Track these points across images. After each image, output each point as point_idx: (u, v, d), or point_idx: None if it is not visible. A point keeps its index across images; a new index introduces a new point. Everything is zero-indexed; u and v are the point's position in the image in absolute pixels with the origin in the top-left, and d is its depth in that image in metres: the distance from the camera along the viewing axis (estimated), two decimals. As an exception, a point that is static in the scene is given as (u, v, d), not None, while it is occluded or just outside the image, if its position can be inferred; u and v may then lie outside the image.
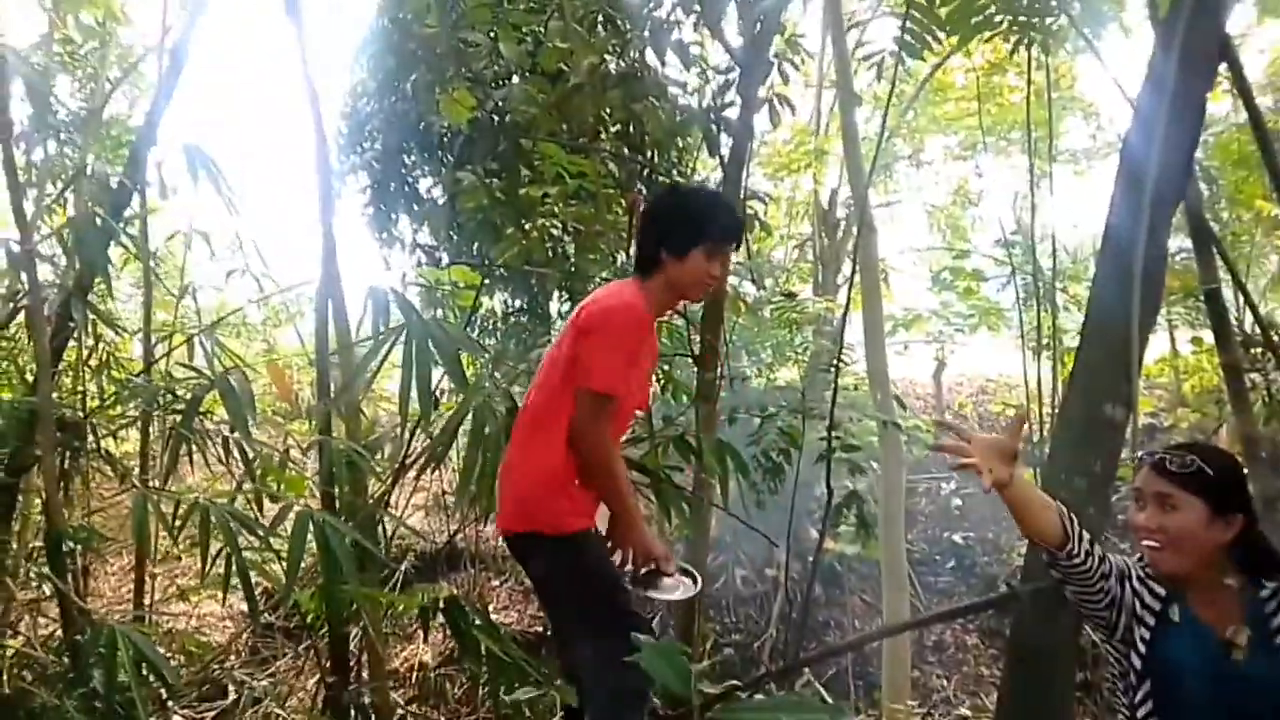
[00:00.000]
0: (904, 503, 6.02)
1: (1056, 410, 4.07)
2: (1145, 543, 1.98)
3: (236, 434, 2.74)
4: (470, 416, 2.61)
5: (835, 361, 3.45)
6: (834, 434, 3.44)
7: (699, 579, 2.60)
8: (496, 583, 8.02)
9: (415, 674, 5.64)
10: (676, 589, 2.55)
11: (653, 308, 2.49)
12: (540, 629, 7.18)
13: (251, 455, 2.86)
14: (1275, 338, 6.53)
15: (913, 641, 8.51)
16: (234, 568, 2.42)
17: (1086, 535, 2.06)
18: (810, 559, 9.23)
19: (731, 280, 6.91)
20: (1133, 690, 2.02)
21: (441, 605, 2.65)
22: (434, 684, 4.54)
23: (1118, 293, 3.10)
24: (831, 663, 7.79)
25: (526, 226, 5.83)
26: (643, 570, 2.54)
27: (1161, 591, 2.03)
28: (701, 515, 3.47)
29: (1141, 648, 2.00)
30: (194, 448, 2.81)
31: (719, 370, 3.66)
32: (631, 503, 2.44)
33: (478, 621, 2.63)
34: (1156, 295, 3.16)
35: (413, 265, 8.14)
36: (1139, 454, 2.03)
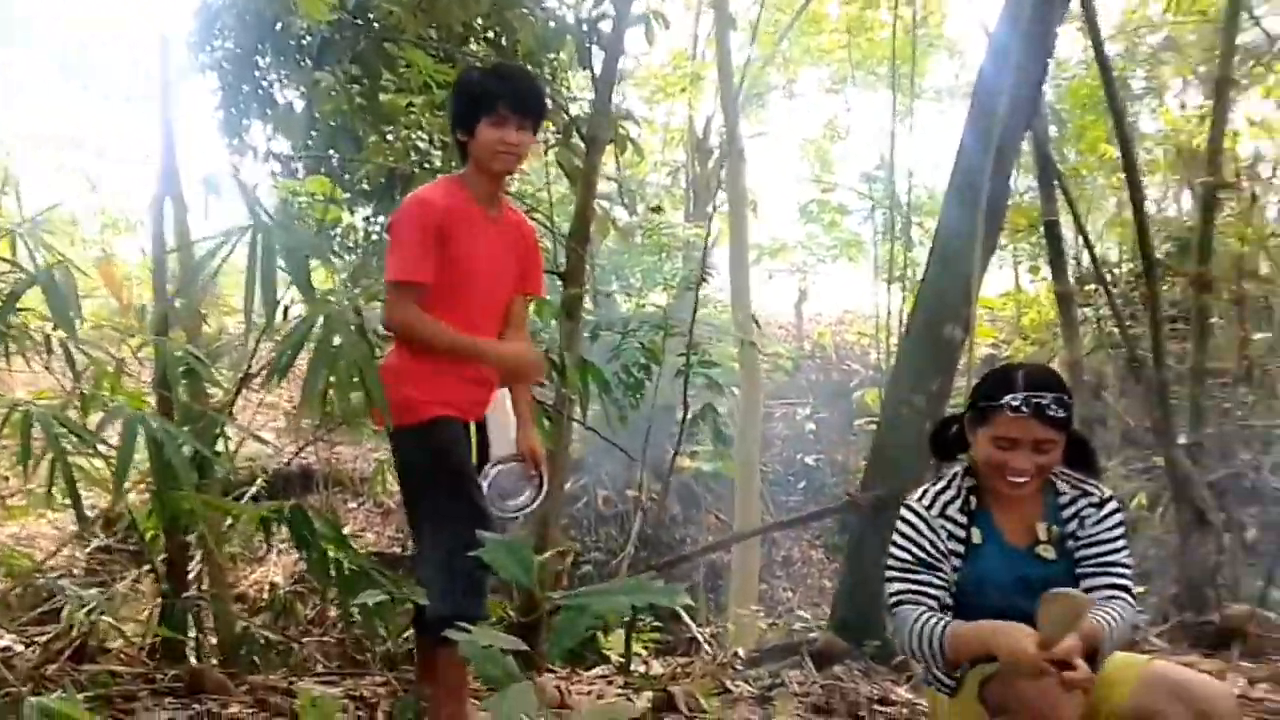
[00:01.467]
0: (761, 423, 6.22)
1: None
2: (1014, 479, 2.02)
3: (61, 333, 2.54)
4: (320, 329, 2.50)
5: (696, 280, 3.50)
6: (692, 351, 3.51)
7: (545, 485, 2.65)
8: (354, 504, 7.88)
9: (265, 594, 5.50)
10: (521, 494, 2.61)
11: (471, 193, 2.55)
12: (399, 549, 7.12)
13: (79, 359, 2.66)
14: (1108, 274, 7.02)
15: (762, 557, 8.91)
16: (59, 478, 2.27)
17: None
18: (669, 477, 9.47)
19: (602, 203, 6.86)
20: (947, 611, 2.11)
21: (285, 515, 2.58)
22: (283, 603, 4.43)
23: (963, 218, 3.25)
24: (686, 579, 8.07)
25: (390, 137, 5.58)
26: (495, 465, 2.57)
27: (964, 519, 2.12)
28: (562, 430, 3.48)
29: (953, 575, 2.09)
30: (12, 348, 2.59)
31: (584, 286, 3.65)
32: (455, 340, 2.48)
33: (324, 531, 2.58)
34: (998, 220, 3.34)
35: (267, 175, 7.70)
36: (1007, 400, 1.99)
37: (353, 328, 2.53)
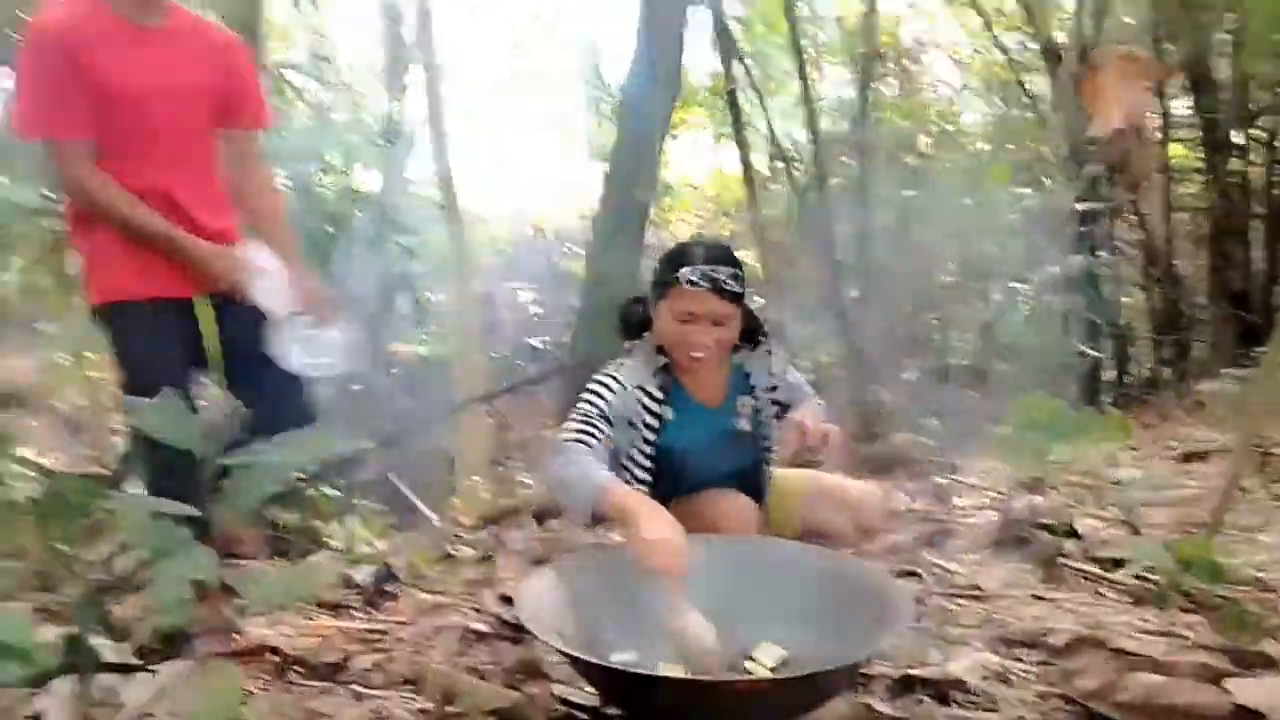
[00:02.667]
0: (476, 298, 6.20)
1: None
2: (694, 354, 2.11)
3: None
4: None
5: (385, 142, 3.35)
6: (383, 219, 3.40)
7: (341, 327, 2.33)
8: (35, 422, 7.02)
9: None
10: (324, 348, 2.29)
11: (108, 5, 2.05)
12: (98, 468, 6.50)
13: None
14: (791, 145, 7.56)
15: (499, 445, 9.07)
16: None
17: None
18: (394, 369, 9.26)
19: (296, 77, 6.33)
20: (649, 485, 2.23)
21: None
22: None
23: (642, 86, 3.36)
24: (422, 470, 8.02)
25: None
26: (283, 329, 2.25)
27: (659, 394, 2.20)
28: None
29: (649, 449, 2.20)
30: None
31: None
32: (145, 223, 2.08)
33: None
34: (674, 87, 3.48)
35: None
36: (679, 275, 2.06)
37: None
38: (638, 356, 2.25)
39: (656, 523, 1.80)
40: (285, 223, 2.40)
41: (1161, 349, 6.65)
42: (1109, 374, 6.59)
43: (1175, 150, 6.82)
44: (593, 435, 2.07)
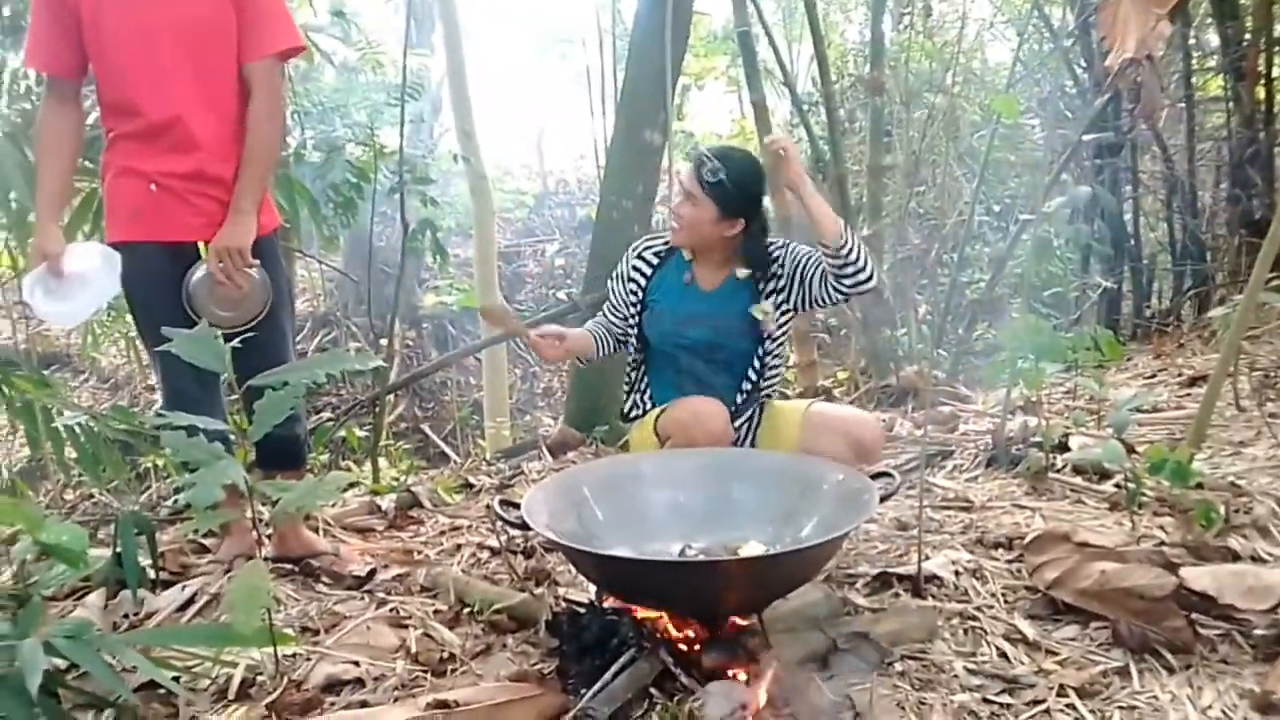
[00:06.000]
0: (495, 247, 6.34)
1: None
2: (672, 224, 2.47)
3: None
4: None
5: (401, 94, 3.47)
6: (406, 170, 3.53)
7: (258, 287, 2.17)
8: (76, 382, 7.36)
9: None
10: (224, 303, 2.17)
11: None
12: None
13: None
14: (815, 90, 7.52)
15: (521, 390, 9.27)
16: None
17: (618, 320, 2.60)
18: (423, 324, 9.45)
19: (317, 37, 6.43)
20: (637, 328, 2.55)
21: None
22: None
23: (655, 24, 3.42)
24: (448, 419, 8.26)
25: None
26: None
27: (655, 260, 2.56)
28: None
29: (636, 295, 2.54)
30: None
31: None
32: (38, 181, 2.19)
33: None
34: (684, 25, 3.54)
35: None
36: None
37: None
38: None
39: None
40: (255, 161, 2.20)
41: (1183, 280, 6.62)
42: (1129, 306, 6.58)
43: (1201, 79, 6.70)
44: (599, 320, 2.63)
